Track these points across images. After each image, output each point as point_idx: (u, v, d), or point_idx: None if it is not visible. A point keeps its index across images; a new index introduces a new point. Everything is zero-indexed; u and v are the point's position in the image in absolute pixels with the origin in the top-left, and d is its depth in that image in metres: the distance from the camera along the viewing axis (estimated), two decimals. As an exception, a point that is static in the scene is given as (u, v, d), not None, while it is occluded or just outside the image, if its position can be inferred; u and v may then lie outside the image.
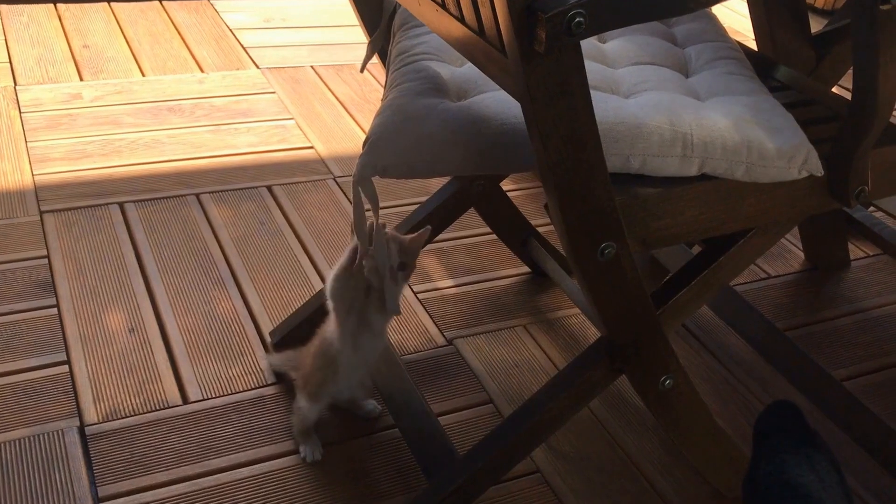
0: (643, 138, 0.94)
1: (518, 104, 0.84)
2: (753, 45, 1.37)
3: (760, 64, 1.19)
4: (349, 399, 1.26)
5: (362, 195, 0.97)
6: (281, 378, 1.32)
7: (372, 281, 1.09)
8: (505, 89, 0.88)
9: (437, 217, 1.41)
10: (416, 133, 0.96)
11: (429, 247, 1.61)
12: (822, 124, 1.06)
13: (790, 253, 1.75)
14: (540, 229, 1.60)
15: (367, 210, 1.00)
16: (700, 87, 1.06)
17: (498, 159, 0.94)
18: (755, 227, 1.04)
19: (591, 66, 1.04)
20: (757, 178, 0.97)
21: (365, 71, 2.30)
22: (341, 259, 1.11)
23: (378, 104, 1.04)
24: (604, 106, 0.95)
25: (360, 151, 1.00)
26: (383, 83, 2.29)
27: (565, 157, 0.84)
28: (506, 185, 1.58)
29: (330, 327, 1.15)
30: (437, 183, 1.78)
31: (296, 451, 1.20)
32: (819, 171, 0.98)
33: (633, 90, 1.03)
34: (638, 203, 0.94)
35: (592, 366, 1.07)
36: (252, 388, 1.31)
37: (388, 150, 0.95)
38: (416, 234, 1.14)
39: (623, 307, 0.98)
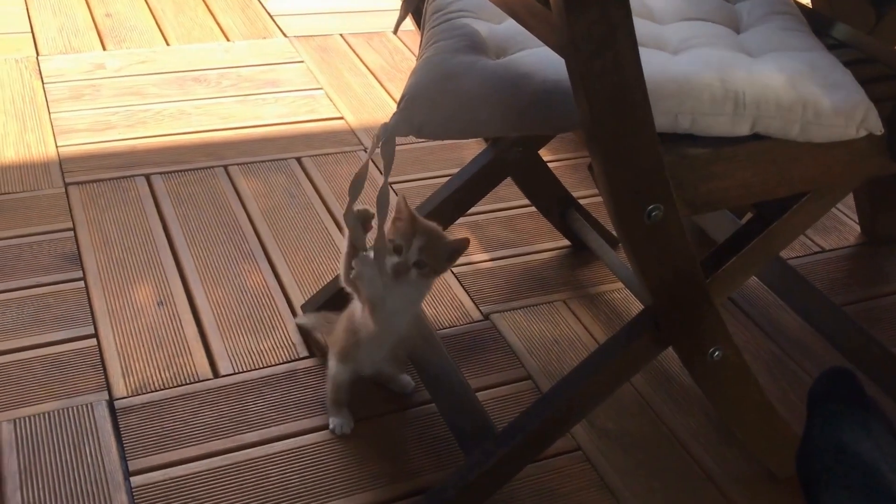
0: (692, 96, 0.93)
1: (561, 60, 0.84)
2: (808, 2, 1.35)
3: (816, 21, 1.18)
4: (379, 373, 1.27)
5: (380, 152, 0.96)
6: (308, 339, 1.34)
7: (360, 276, 1.06)
8: (547, 44, 0.88)
9: (470, 188, 1.41)
10: (453, 91, 0.96)
11: (462, 220, 1.62)
12: (882, 83, 1.05)
13: (845, 226, 1.73)
14: (581, 200, 1.60)
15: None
16: (752, 43, 1.05)
17: (539, 118, 0.94)
18: (809, 192, 1.03)
19: (637, 23, 1.03)
20: (812, 138, 0.96)
21: (397, 38, 2.31)
22: (344, 245, 1.11)
23: (413, 65, 1.05)
24: (651, 63, 0.94)
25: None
26: (416, 51, 2.29)
27: (610, 115, 0.84)
28: (545, 154, 1.58)
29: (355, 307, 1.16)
30: (470, 153, 1.78)
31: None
32: (879, 129, 0.96)
33: (682, 46, 1.03)
34: (686, 163, 0.93)
35: (637, 337, 1.07)
36: (284, 362, 1.33)
37: (424, 108, 0.96)
38: (454, 239, 1.10)
39: (670, 273, 0.98)
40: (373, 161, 1.83)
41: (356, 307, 1.15)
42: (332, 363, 1.21)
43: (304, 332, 1.36)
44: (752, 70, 0.97)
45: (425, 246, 1.08)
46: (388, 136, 0.96)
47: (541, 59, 0.98)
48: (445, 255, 1.11)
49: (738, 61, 0.98)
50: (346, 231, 1.09)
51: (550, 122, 0.94)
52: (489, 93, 0.95)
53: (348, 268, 1.10)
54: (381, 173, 1.76)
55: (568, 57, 0.82)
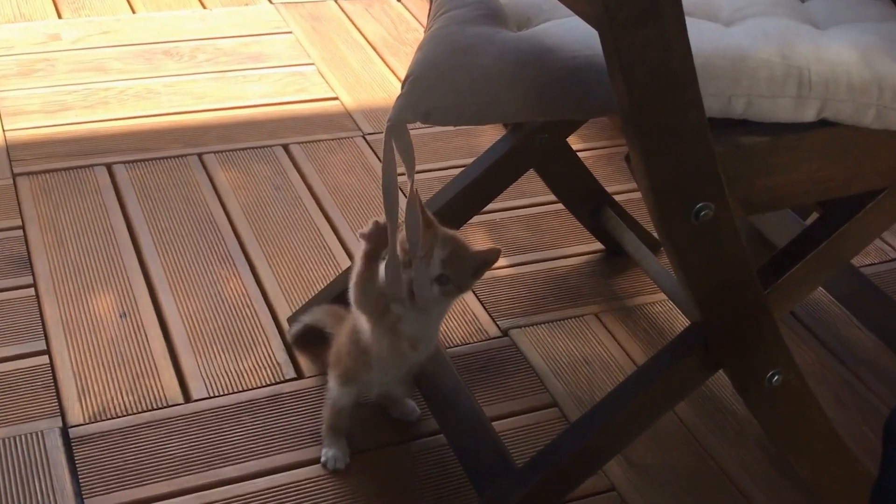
0: (748, 75, 0.93)
1: (594, 32, 0.84)
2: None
3: (895, -14, 1.17)
4: (383, 394, 1.27)
5: (395, 148, 0.97)
6: (300, 353, 1.34)
7: (393, 293, 1.06)
8: (577, 13, 0.88)
9: (487, 181, 1.41)
10: (466, 68, 0.96)
11: (477, 219, 1.62)
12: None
13: (929, 227, 1.73)
14: (616, 196, 1.60)
15: (400, 174, 1.00)
16: (819, 12, 1.05)
17: (567, 100, 0.94)
18: (886, 188, 1.03)
19: (683, -12, 1.04)
20: (890, 125, 0.96)
21: (401, 5, 2.31)
22: (356, 264, 1.11)
23: (417, 46, 1.05)
24: (700, 35, 0.94)
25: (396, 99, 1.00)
26: (423, 21, 2.29)
27: (652, 96, 0.84)
28: (574, 142, 1.57)
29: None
30: (486, 140, 1.78)
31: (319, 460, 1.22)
32: (970, 115, 0.96)
33: (737, 16, 1.02)
34: (741, 154, 0.93)
35: (682, 358, 1.07)
36: (267, 385, 1.33)
37: (432, 90, 0.96)
38: (482, 250, 1.09)
39: (721, 283, 0.98)
40: (375, 154, 1.83)
41: (361, 324, 1.16)
42: (333, 385, 1.21)
43: (298, 342, 1.35)
44: (819, 44, 0.96)
45: (448, 258, 1.07)
46: (396, 125, 0.96)
47: (570, 30, 0.98)
48: (471, 269, 1.10)
49: (802, 34, 0.98)
50: (361, 245, 1.08)
51: (581, 106, 0.94)
52: (509, 70, 0.95)
53: (362, 291, 1.09)
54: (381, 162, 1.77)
55: (602, 28, 0.82)
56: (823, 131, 0.96)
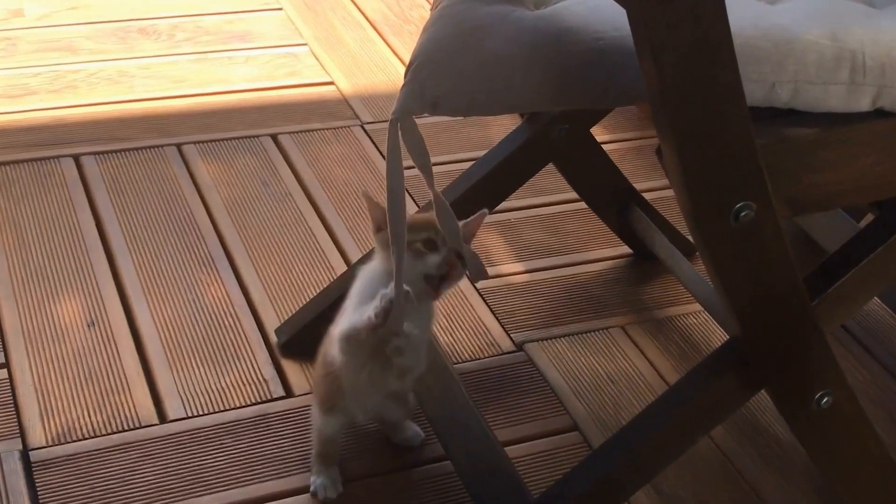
0: (795, 58, 0.93)
1: (620, 10, 0.84)
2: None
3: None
4: (377, 419, 1.27)
5: (401, 142, 0.97)
6: (296, 356, 1.35)
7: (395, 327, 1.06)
8: (603, -12, 0.88)
9: (500, 177, 1.41)
10: (477, 52, 0.96)
11: (490, 219, 1.61)
12: None
13: None
14: (645, 194, 1.60)
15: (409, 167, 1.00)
16: (876, -12, 1.05)
17: (591, 88, 0.94)
18: (952, 186, 1.03)
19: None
20: (956, 116, 0.96)
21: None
22: (357, 316, 1.08)
23: (423, 23, 1.06)
24: (741, 14, 0.94)
25: (401, 84, 1.00)
26: (429, -5, 2.28)
27: (686, 82, 0.83)
28: (598, 133, 1.57)
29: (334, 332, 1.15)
30: (500, 131, 1.78)
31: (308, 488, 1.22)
32: None
33: (782, -8, 1.02)
34: (787, 148, 0.93)
35: (719, 377, 1.07)
36: (251, 404, 1.33)
37: (439, 76, 0.96)
38: (468, 220, 1.12)
39: (764, 293, 0.98)
40: (374, 145, 1.84)
41: (333, 353, 1.14)
42: (315, 412, 1.21)
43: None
44: (875, 25, 0.96)
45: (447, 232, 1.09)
46: (401, 116, 0.96)
47: (593, 9, 0.98)
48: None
49: (855, 13, 0.97)
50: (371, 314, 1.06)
51: (606, 94, 0.94)
52: (524, 54, 0.95)
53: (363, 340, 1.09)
54: (383, 156, 1.77)
55: (630, 5, 0.81)
56: (879, 122, 0.96)
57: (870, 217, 1.44)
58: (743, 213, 0.91)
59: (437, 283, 1.11)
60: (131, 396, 1.33)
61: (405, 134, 0.97)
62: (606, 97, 0.95)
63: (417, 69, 0.99)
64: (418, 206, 1.66)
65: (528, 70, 0.96)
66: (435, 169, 1.71)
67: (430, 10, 1.11)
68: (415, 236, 1.08)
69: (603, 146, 1.54)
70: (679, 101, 0.84)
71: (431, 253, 1.10)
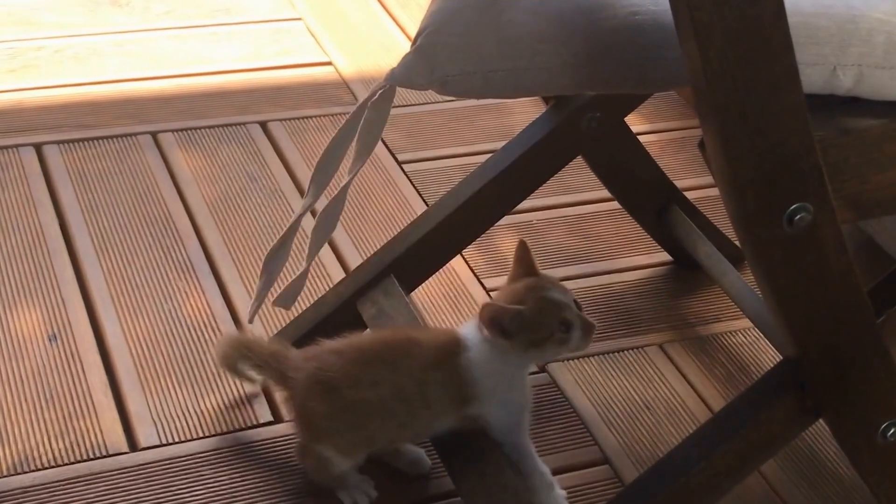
0: (860, 39, 0.93)
1: (659, -19, 0.84)
2: None
3: None
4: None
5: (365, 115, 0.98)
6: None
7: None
8: (639, -42, 0.87)
9: (522, 172, 1.41)
10: (495, 25, 0.96)
11: (510, 219, 1.62)
12: None
13: None
14: (688, 193, 1.59)
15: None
16: (954, -41, 1.04)
17: (625, 70, 0.94)
18: None
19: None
20: None
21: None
22: None
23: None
24: (797, -12, 0.94)
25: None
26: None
27: (734, 66, 0.83)
28: (634, 123, 1.57)
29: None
30: (522, 118, 1.78)
31: (301, 528, 1.23)
32: None
33: (845, -37, 1.02)
34: (850, 142, 0.93)
35: (770, 405, 1.07)
36: (234, 430, 1.33)
37: (450, 50, 0.96)
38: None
39: (822, 309, 0.97)
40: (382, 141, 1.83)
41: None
42: (331, 454, 1.21)
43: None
44: (954, 0, 0.96)
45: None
46: (387, 86, 0.96)
47: (629, -21, 0.98)
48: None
49: (931, -14, 0.97)
50: None
51: (643, 77, 0.94)
52: (550, 29, 0.95)
53: None
54: (386, 147, 1.78)
55: (670, -23, 0.82)
56: (959, 113, 0.96)
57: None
58: (798, 217, 0.90)
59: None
60: (98, 421, 1.33)
61: (380, 101, 0.97)
62: (643, 81, 0.95)
63: (427, 39, 0.99)
64: (427, 204, 1.66)
65: (555, 48, 0.96)
66: (449, 161, 1.77)
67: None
68: (549, 330, 1.15)
69: (640, 137, 1.53)
70: (726, 88, 0.84)
71: (571, 331, 1.15)
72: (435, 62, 0.96)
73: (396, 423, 1.20)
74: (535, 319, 1.14)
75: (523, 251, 1.19)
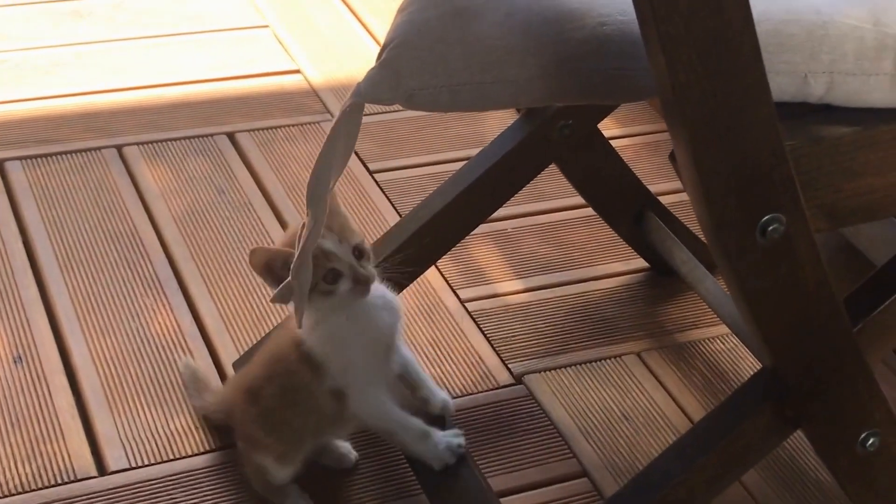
0: (831, 46, 0.93)
1: (627, -8, 0.84)
2: None
3: None
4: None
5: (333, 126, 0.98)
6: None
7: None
8: (605, -32, 0.87)
9: (495, 180, 1.41)
10: (462, 38, 0.96)
11: (483, 228, 1.62)
12: None
13: None
14: (663, 199, 1.60)
15: None
16: (924, -38, 1.05)
17: (592, 81, 0.94)
18: None
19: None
20: None
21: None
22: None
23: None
24: (767, -6, 0.95)
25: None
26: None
27: (703, 77, 0.83)
28: (607, 128, 1.57)
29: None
30: (494, 126, 1.78)
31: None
32: None
33: (815, -32, 1.02)
34: (822, 150, 0.93)
35: (749, 415, 1.07)
36: (205, 451, 1.32)
37: (416, 65, 0.96)
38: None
39: (797, 319, 0.97)
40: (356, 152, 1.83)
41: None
42: (270, 463, 1.22)
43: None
44: (924, 5, 0.96)
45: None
46: (354, 103, 0.96)
47: (597, -11, 0.98)
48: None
49: (901, -9, 0.98)
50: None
51: (610, 88, 0.94)
52: (517, 41, 0.95)
53: None
54: (359, 158, 1.77)
55: (636, -12, 0.82)
56: (932, 118, 0.96)
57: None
58: (771, 228, 0.91)
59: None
60: (65, 444, 1.32)
61: (350, 116, 0.97)
62: (612, 93, 0.95)
63: (392, 52, 0.98)
64: (400, 214, 1.66)
65: (522, 59, 0.95)
66: (421, 170, 1.77)
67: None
68: (315, 273, 1.11)
69: (613, 143, 1.54)
70: (694, 99, 0.84)
71: (338, 283, 1.13)
72: (400, 76, 0.96)
73: (315, 420, 1.21)
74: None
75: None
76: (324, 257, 1.12)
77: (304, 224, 1.10)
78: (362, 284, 1.14)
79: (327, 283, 1.13)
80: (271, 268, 1.13)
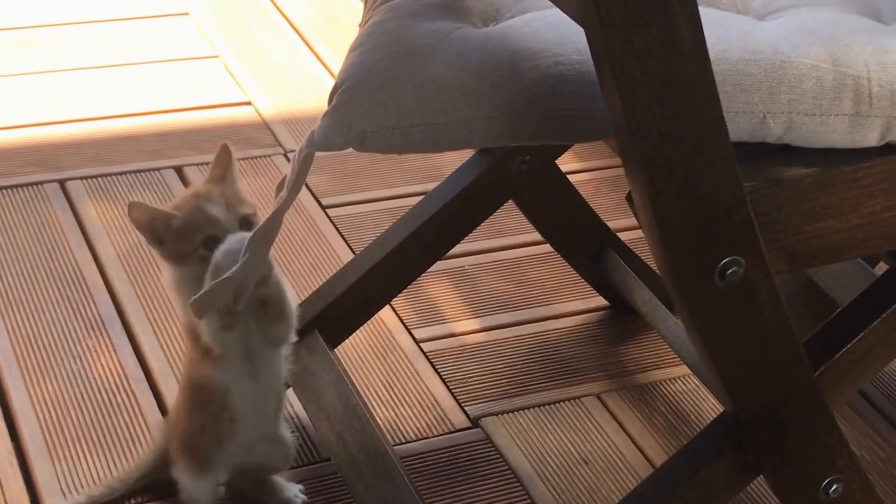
0: (789, 86, 0.94)
1: (581, 31, 0.84)
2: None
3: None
4: (258, 468, 1.28)
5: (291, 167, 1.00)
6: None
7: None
8: (560, 6, 0.88)
9: (452, 217, 1.42)
10: (414, 79, 0.96)
11: (440, 266, 1.62)
12: None
13: None
14: (623, 235, 1.61)
15: None
16: (886, 1, 1.06)
17: (547, 121, 0.94)
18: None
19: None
20: (980, 151, 0.97)
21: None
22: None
23: (357, 33, 1.07)
24: (724, 33, 0.95)
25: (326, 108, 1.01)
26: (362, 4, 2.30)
27: (660, 118, 0.84)
28: (565, 163, 1.58)
29: (195, 363, 1.20)
30: (452, 161, 1.78)
31: None
32: None
33: (772, 7, 1.03)
34: (781, 192, 0.94)
35: (710, 462, 1.07)
36: (151, 500, 1.31)
37: (367, 106, 0.96)
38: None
39: (758, 364, 0.98)
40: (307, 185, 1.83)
41: (199, 377, 1.19)
42: (186, 479, 1.23)
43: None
44: (883, 44, 0.97)
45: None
46: (318, 147, 0.97)
47: (552, 27, 0.98)
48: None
49: (860, 31, 0.99)
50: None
51: (565, 129, 0.94)
52: (470, 81, 0.96)
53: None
54: (311, 193, 1.77)
55: (590, 29, 0.82)
56: (890, 159, 0.97)
57: (885, 267, 1.46)
58: (730, 271, 0.91)
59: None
60: (2, 493, 1.30)
61: (302, 162, 0.99)
62: (568, 133, 0.96)
63: (343, 95, 0.99)
64: (353, 251, 1.66)
65: (475, 100, 0.96)
66: (376, 205, 1.78)
67: (360, 25, 1.11)
68: (192, 241, 1.13)
69: (572, 178, 1.55)
70: (651, 142, 0.85)
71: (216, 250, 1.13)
72: (352, 119, 0.96)
73: (227, 418, 1.21)
74: (182, 229, 1.14)
75: (225, 154, 1.20)
76: (207, 223, 1.13)
77: (195, 193, 1.17)
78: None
79: (206, 248, 1.13)
80: (154, 227, 1.14)
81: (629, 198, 0.92)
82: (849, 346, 1.06)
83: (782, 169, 0.95)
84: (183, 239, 1.14)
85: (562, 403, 1.48)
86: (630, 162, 0.87)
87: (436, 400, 1.47)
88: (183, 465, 1.23)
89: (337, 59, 2.09)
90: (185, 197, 1.18)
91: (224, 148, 1.20)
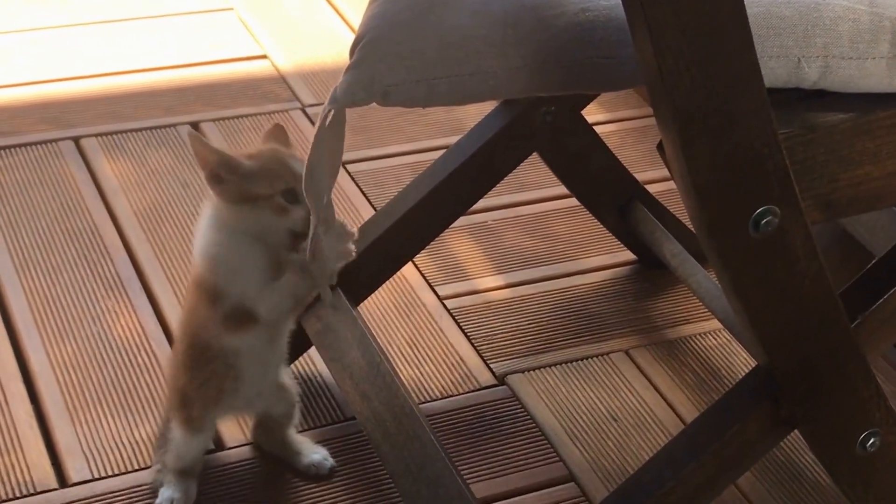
0: (824, 29, 0.93)
1: (609, -25, 0.84)
2: None
3: None
4: (264, 416, 1.30)
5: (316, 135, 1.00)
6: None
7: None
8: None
9: (475, 170, 1.42)
10: (437, 29, 0.96)
11: (463, 221, 1.62)
12: None
13: None
14: (651, 187, 1.60)
15: None
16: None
17: (575, 71, 0.94)
18: None
19: None
20: None
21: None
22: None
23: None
24: (757, -24, 0.95)
25: (346, 63, 1.00)
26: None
27: (692, 64, 0.83)
28: (592, 114, 1.58)
29: (203, 322, 1.20)
30: (474, 114, 1.78)
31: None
32: None
33: (807, -52, 1.03)
34: (817, 139, 0.93)
35: (743, 417, 1.07)
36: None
37: (391, 60, 0.96)
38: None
39: (792, 315, 0.98)
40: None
41: (201, 332, 1.19)
42: (179, 434, 1.24)
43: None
44: (921, -15, 0.97)
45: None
46: (344, 104, 0.96)
47: (579, -29, 0.98)
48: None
49: (897, -29, 0.98)
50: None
51: (594, 78, 0.94)
52: (495, 31, 0.95)
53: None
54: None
55: (620, -28, 0.82)
56: (932, 104, 0.97)
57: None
58: (765, 221, 0.91)
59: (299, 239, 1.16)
60: (24, 456, 1.31)
61: (331, 126, 0.98)
62: (597, 82, 0.95)
63: (365, 49, 0.99)
64: (374, 208, 1.66)
65: (500, 51, 0.96)
66: (397, 160, 1.77)
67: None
68: (270, 187, 1.13)
69: (598, 129, 1.54)
70: (683, 88, 0.84)
71: (294, 206, 1.14)
72: (374, 73, 0.96)
73: (231, 376, 1.21)
74: (258, 170, 1.14)
75: (279, 132, 1.20)
76: (290, 175, 1.13)
77: (273, 147, 1.17)
78: (301, 239, 1.14)
79: (286, 200, 1.13)
80: (216, 173, 1.14)
81: (660, 147, 0.91)
82: (886, 296, 1.05)
83: (818, 115, 0.94)
84: (259, 183, 1.13)
85: (589, 360, 1.48)
86: (661, 110, 0.87)
87: (461, 358, 1.47)
88: (177, 421, 1.24)
89: (353, 10, 2.09)
90: (261, 148, 1.18)
91: (277, 128, 1.21)
